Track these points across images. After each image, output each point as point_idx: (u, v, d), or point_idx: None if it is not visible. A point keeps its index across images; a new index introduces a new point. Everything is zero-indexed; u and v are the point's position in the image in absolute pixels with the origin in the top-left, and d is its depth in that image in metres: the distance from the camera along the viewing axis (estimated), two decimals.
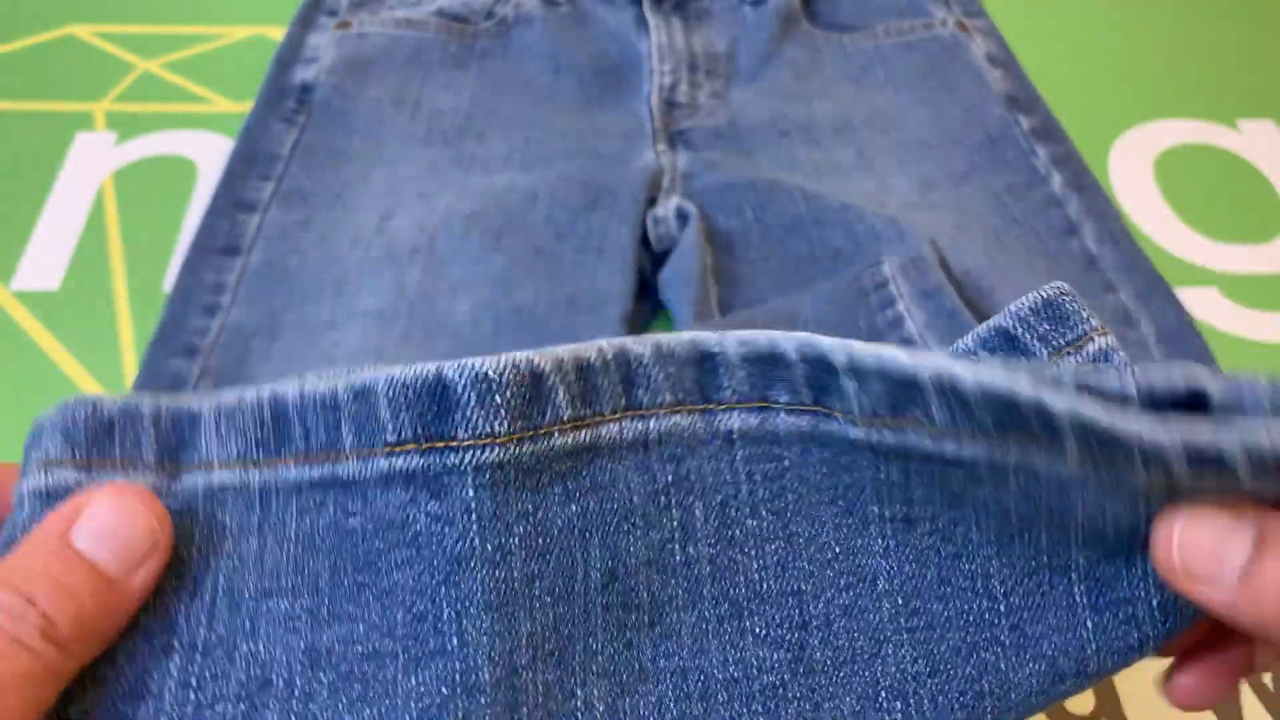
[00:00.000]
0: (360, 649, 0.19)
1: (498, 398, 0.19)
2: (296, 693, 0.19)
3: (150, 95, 0.59)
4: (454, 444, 0.19)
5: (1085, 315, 0.21)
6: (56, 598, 0.16)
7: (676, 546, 0.20)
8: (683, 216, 0.50)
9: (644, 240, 0.50)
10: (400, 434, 0.19)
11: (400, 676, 0.19)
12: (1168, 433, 0.17)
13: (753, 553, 0.21)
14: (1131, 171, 0.56)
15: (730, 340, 0.21)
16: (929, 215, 0.51)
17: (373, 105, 0.57)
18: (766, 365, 0.21)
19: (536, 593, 0.19)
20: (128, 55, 0.62)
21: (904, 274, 0.42)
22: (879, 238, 0.48)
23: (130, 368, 0.46)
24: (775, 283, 0.48)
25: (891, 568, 0.20)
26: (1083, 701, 0.36)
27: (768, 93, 0.58)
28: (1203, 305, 0.49)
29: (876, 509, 0.20)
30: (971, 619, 0.20)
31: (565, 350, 0.20)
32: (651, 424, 0.21)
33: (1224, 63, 0.63)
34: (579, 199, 0.51)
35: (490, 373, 0.19)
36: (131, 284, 0.49)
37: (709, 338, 0.21)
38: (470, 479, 0.19)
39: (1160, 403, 0.18)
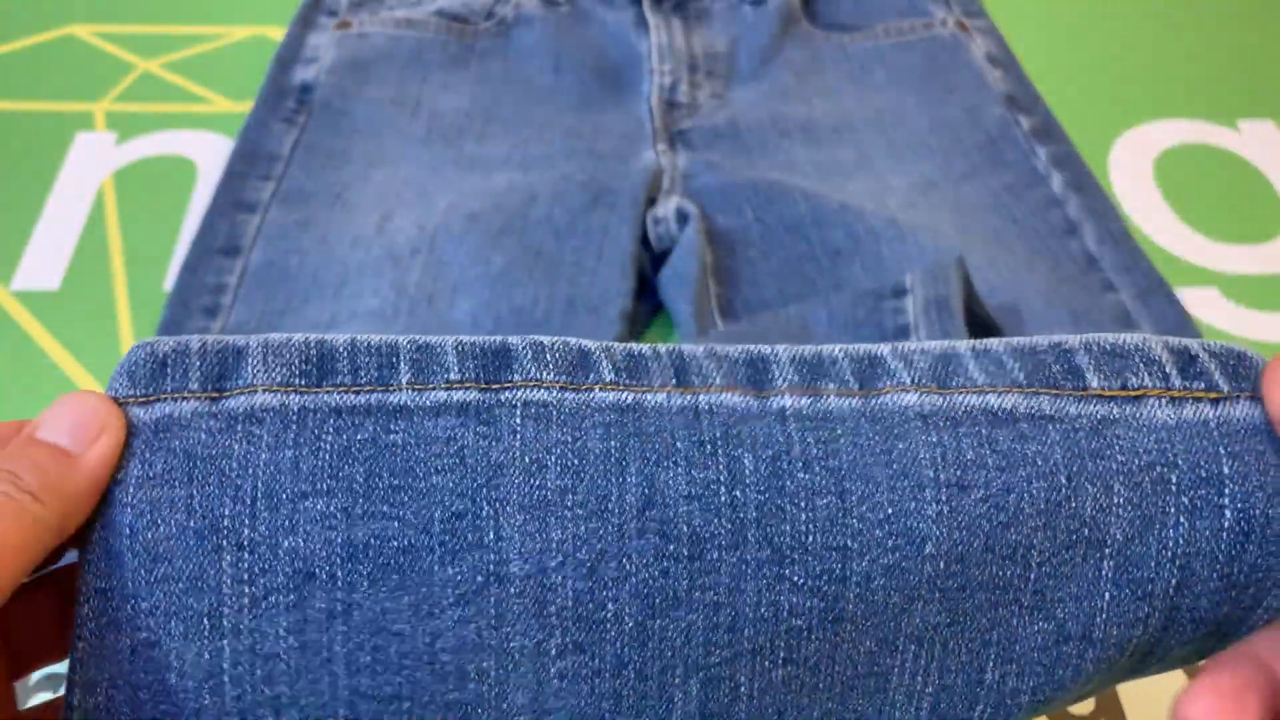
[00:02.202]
0: (396, 544, 0.21)
1: (548, 356, 0.22)
2: (339, 583, 0.21)
3: (150, 95, 0.59)
4: (509, 385, 0.22)
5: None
6: (19, 460, 0.20)
7: (723, 488, 0.21)
8: (683, 216, 0.50)
9: (644, 240, 0.50)
10: (463, 375, 0.22)
11: (437, 567, 0.21)
12: (1157, 342, 0.22)
13: (802, 504, 0.21)
14: (1131, 171, 0.56)
15: (780, 348, 0.23)
16: (929, 215, 0.51)
17: (373, 105, 0.57)
18: (814, 364, 0.22)
19: (569, 504, 0.21)
20: (128, 55, 0.62)
21: (926, 321, 0.41)
22: (879, 238, 0.48)
23: None
24: (775, 283, 0.48)
25: (941, 534, 0.21)
26: (1083, 702, 0.36)
27: (768, 93, 0.58)
28: (1203, 305, 0.49)
29: (931, 472, 0.21)
30: (1001, 582, 0.21)
31: (619, 344, 0.23)
32: (701, 398, 0.22)
33: (1224, 63, 0.63)
34: (579, 199, 0.51)
35: (545, 341, 0.22)
36: (131, 284, 0.50)
37: (761, 347, 0.23)
38: (518, 410, 0.21)
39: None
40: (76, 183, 0.54)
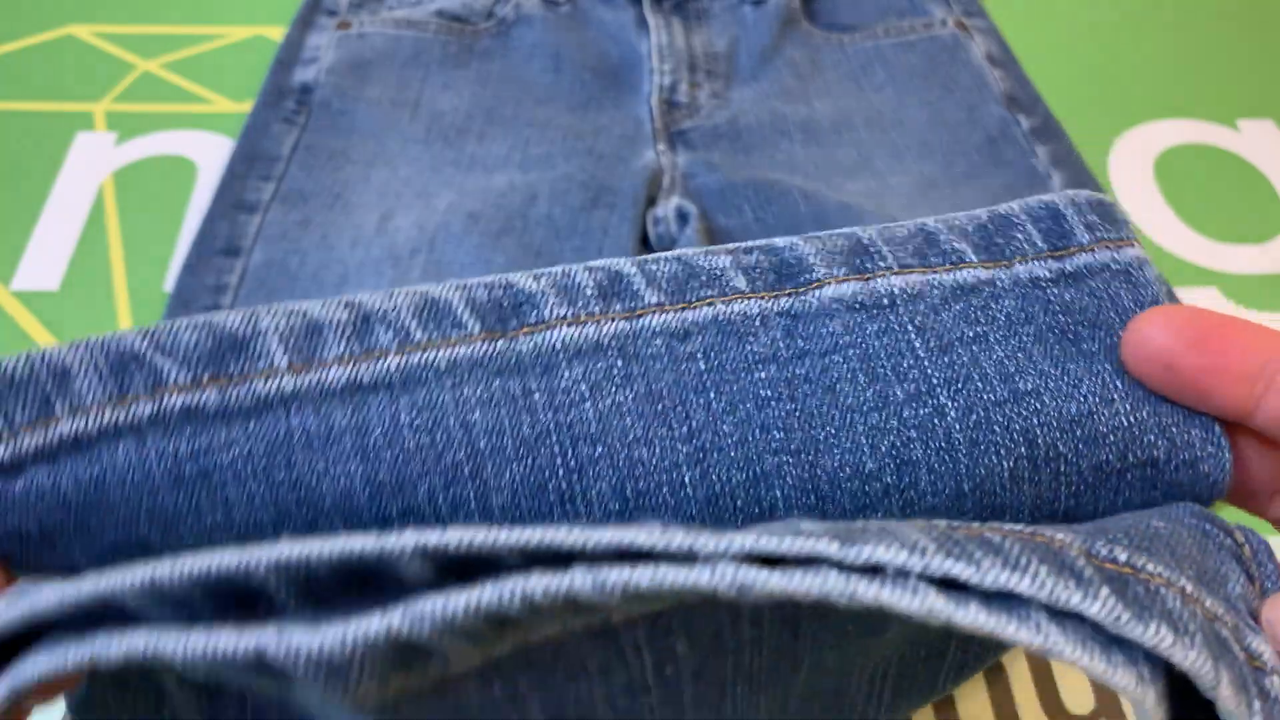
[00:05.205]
0: None
1: None
2: None
3: (150, 95, 0.59)
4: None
5: (1130, 225, 0.24)
6: None
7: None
8: (683, 216, 0.50)
9: (644, 240, 0.50)
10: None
11: None
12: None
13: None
14: (1131, 171, 0.56)
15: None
16: (929, 215, 0.51)
17: (373, 105, 0.57)
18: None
19: None
20: (128, 55, 0.62)
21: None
22: None
23: None
24: None
25: None
26: (1083, 701, 0.36)
27: (768, 93, 0.58)
28: (1203, 305, 0.49)
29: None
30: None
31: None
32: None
33: (1224, 63, 0.63)
34: (579, 199, 0.51)
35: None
36: (131, 284, 0.50)
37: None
38: None
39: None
40: (76, 183, 0.54)
